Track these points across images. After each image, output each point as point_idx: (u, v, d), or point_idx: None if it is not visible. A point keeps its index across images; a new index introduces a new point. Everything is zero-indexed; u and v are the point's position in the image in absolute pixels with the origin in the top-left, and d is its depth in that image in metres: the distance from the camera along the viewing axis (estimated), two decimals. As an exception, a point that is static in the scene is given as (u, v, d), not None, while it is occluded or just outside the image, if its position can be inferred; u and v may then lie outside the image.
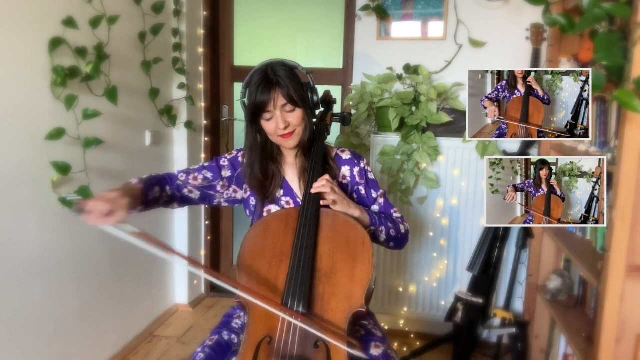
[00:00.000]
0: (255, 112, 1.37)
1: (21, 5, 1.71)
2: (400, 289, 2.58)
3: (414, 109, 2.37)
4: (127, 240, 1.15)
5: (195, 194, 1.48)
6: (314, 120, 1.48)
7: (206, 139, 2.97)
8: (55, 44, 1.81)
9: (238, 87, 3.06)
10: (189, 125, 2.74)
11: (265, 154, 1.45)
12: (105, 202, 1.14)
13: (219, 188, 1.49)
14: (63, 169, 1.87)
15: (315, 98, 1.44)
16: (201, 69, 2.88)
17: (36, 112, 1.79)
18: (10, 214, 1.73)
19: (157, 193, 1.39)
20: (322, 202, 1.33)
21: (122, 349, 2.42)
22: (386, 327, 2.53)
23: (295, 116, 1.37)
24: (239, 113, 3.09)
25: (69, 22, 1.85)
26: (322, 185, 1.33)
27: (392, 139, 2.45)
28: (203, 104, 2.92)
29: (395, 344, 2.51)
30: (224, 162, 1.50)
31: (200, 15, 2.84)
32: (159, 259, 2.53)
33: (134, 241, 1.16)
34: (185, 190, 1.46)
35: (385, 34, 2.61)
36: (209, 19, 2.88)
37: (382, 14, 2.55)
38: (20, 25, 1.71)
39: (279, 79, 1.35)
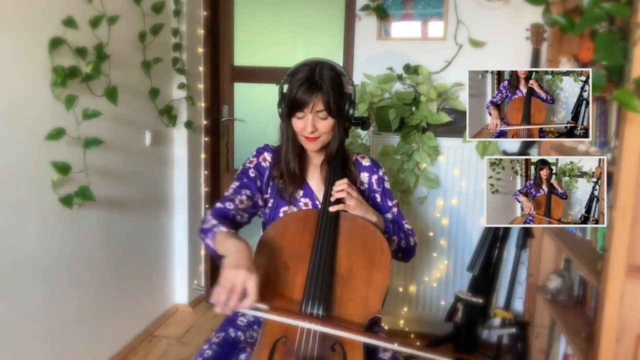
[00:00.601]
0: (291, 109, 1.36)
1: (21, 5, 1.71)
2: (400, 289, 2.58)
3: (414, 109, 2.37)
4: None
5: (245, 218, 1.43)
6: (343, 129, 1.45)
7: (206, 139, 2.97)
8: (55, 44, 1.80)
9: (238, 87, 3.06)
10: (189, 125, 2.74)
11: (298, 148, 1.45)
12: (229, 292, 1.06)
13: (260, 202, 1.46)
14: (63, 169, 1.86)
15: (351, 111, 1.42)
16: (201, 69, 2.88)
17: (36, 112, 1.79)
18: (10, 213, 1.73)
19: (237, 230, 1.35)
20: (340, 207, 1.33)
21: (122, 349, 2.42)
22: (386, 327, 2.53)
23: (326, 124, 1.36)
24: (239, 113, 3.10)
25: (69, 22, 1.84)
26: (341, 190, 1.34)
27: (392, 139, 2.45)
28: (203, 104, 2.92)
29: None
30: (252, 172, 1.46)
31: (200, 15, 2.84)
32: (159, 259, 2.54)
33: (265, 316, 1.15)
34: (238, 218, 1.40)
35: (385, 34, 2.61)
36: (209, 19, 2.88)
37: (382, 14, 2.55)
38: (20, 25, 1.71)
39: (323, 84, 1.33)
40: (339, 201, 1.35)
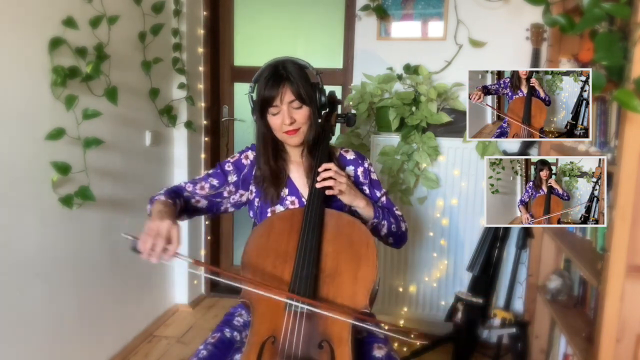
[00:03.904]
0: (263, 106, 1.38)
1: (21, 5, 1.71)
2: (400, 289, 2.58)
3: (414, 109, 2.37)
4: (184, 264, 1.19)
5: (203, 203, 1.48)
6: (319, 120, 1.48)
7: (206, 139, 2.97)
8: (55, 44, 1.80)
9: (238, 87, 3.06)
10: (189, 125, 2.74)
11: (273, 148, 1.46)
12: (154, 237, 1.15)
13: (225, 194, 1.48)
14: (63, 169, 1.87)
15: (322, 99, 1.45)
16: (201, 69, 2.88)
17: (36, 112, 1.79)
18: (10, 213, 1.73)
19: (178, 205, 1.39)
20: (328, 192, 1.33)
21: (122, 349, 2.42)
22: (386, 327, 2.53)
23: (302, 114, 1.38)
24: (239, 113, 3.10)
25: (69, 22, 1.84)
26: (325, 170, 1.33)
27: (392, 139, 2.45)
28: (203, 104, 2.92)
29: (395, 344, 2.50)
30: (228, 166, 1.49)
31: (200, 15, 2.84)
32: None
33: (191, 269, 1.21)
34: (193, 201, 1.46)
35: (385, 34, 2.61)
36: (209, 19, 2.88)
37: (382, 14, 2.55)
38: (20, 25, 1.71)
39: (289, 75, 1.36)
40: (326, 189, 1.34)
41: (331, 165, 1.35)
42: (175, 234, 1.17)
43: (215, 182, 1.47)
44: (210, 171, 1.50)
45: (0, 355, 1.73)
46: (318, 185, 1.33)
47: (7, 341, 1.76)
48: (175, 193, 1.42)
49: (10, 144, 1.71)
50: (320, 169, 1.35)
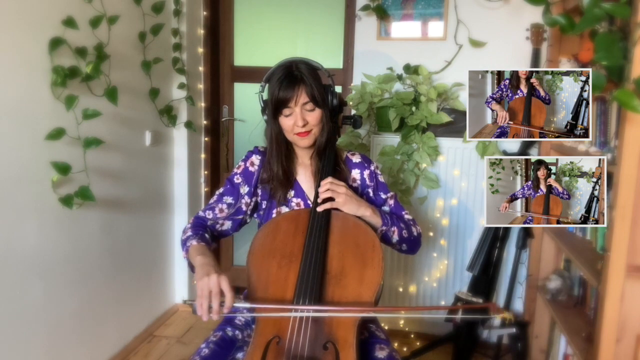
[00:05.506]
0: (277, 107, 1.37)
1: (21, 5, 1.71)
2: (400, 289, 2.58)
3: (414, 109, 2.37)
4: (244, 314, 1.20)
5: (227, 225, 1.47)
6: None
7: (206, 139, 2.97)
8: (55, 44, 1.80)
9: (238, 87, 3.06)
10: (189, 125, 2.74)
11: (285, 149, 1.46)
12: (207, 298, 1.15)
13: (243, 207, 1.48)
14: (63, 169, 1.87)
15: (335, 101, 1.45)
16: (201, 69, 2.88)
17: (36, 112, 1.79)
18: (10, 214, 1.73)
19: (209, 241, 1.38)
20: (328, 206, 1.33)
21: (122, 349, 2.42)
22: (386, 327, 2.53)
23: (315, 116, 1.38)
24: (239, 113, 3.09)
25: (69, 22, 1.84)
26: (326, 190, 1.34)
27: (392, 139, 2.45)
28: (203, 104, 2.92)
29: (396, 344, 2.50)
30: (237, 179, 1.48)
31: (200, 15, 2.84)
32: (159, 258, 2.54)
33: (250, 314, 1.21)
34: (217, 226, 1.46)
35: (385, 34, 2.61)
36: (209, 19, 2.88)
37: (382, 14, 2.55)
38: (20, 25, 1.71)
39: (304, 77, 1.35)
40: (327, 201, 1.34)
41: (328, 179, 1.35)
42: (225, 286, 1.16)
43: (230, 199, 1.47)
44: (222, 190, 1.48)
45: (0, 355, 1.73)
46: (320, 206, 1.33)
47: (7, 341, 1.76)
48: (202, 227, 1.41)
49: (10, 144, 1.71)
50: (320, 190, 1.35)
